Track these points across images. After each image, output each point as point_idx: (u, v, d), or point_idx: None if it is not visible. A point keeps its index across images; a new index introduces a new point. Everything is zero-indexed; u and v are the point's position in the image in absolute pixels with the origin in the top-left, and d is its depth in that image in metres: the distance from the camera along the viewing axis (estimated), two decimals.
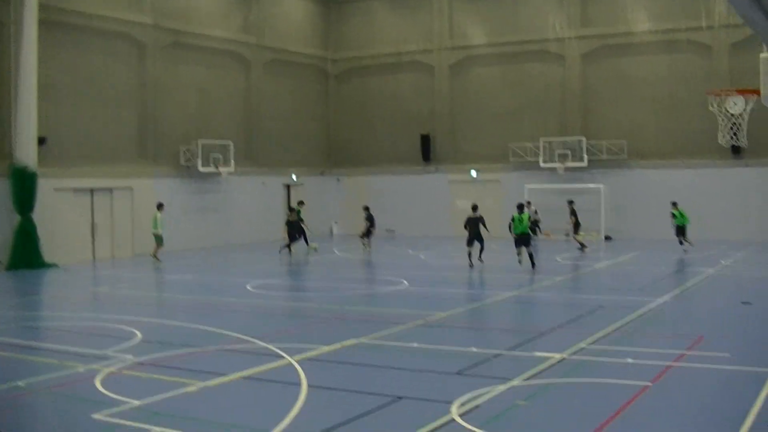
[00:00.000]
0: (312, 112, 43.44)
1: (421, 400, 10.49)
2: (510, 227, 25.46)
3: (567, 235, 34.70)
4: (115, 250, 32.12)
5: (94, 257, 31.20)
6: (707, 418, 9.68)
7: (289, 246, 31.61)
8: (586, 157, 37.39)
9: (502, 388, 10.83)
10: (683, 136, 36.27)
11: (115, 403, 10.32)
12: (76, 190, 30.71)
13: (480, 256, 26.67)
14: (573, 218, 32.52)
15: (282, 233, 32.67)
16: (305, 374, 11.71)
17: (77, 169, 30.61)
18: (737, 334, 14.63)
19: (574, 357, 12.73)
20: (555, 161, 37.91)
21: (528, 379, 11.36)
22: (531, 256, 24.98)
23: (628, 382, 11.05)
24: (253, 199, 38.75)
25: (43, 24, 28.46)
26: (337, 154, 44.65)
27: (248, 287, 22.04)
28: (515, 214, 25.48)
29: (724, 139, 21.43)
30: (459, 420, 9.46)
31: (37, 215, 28.22)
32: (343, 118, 44.52)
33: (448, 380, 11.54)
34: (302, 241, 32.24)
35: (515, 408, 10.05)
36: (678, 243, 30.14)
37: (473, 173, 40.74)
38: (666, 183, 35.65)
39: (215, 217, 36.77)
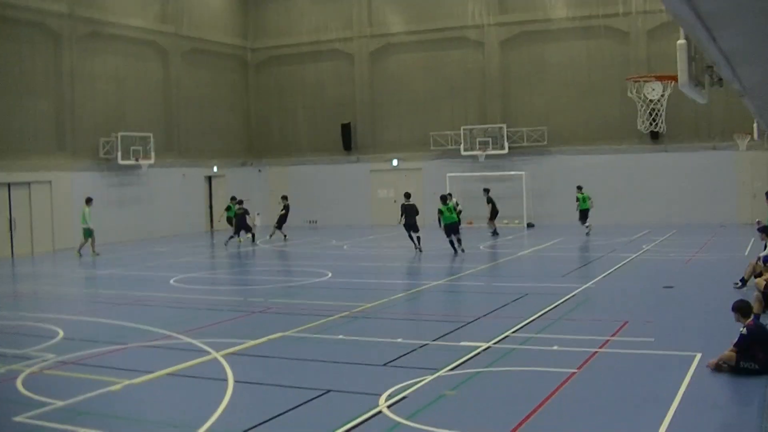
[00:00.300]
0: (232, 103, 42.90)
1: (348, 392, 10.44)
2: (439, 220, 26.14)
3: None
4: (35, 246, 31.30)
5: (12, 254, 30.38)
6: (634, 403, 9.69)
7: (235, 236, 32.38)
8: (506, 144, 37.64)
9: (429, 378, 10.77)
10: (603, 122, 36.79)
11: (37, 404, 10.09)
12: None
13: (419, 244, 27.00)
14: (489, 205, 33.24)
15: (226, 223, 34.42)
16: (231, 369, 11.63)
17: None
18: (661, 318, 14.78)
19: (501, 345, 12.71)
20: (476, 149, 38.03)
21: (455, 368, 11.31)
22: (459, 241, 26.10)
23: (554, 370, 11.10)
24: (175, 191, 38.20)
25: None
26: (258, 144, 44.14)
27: (172, 281, 21.73)
28: (441, 206, 26.05)
29: (643, 124, 21.63)
30: (387, 412, 9.45)
31: None
32: (264, 108, 44.01)
33: (376, 372, 11.49)
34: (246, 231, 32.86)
35: (443, 398, 10.03)
36: (583, 226, 31.41)
37: (394, 162, 40.67)
38: (586, 169, 36.07)
39: (136, 210, 36.08)
